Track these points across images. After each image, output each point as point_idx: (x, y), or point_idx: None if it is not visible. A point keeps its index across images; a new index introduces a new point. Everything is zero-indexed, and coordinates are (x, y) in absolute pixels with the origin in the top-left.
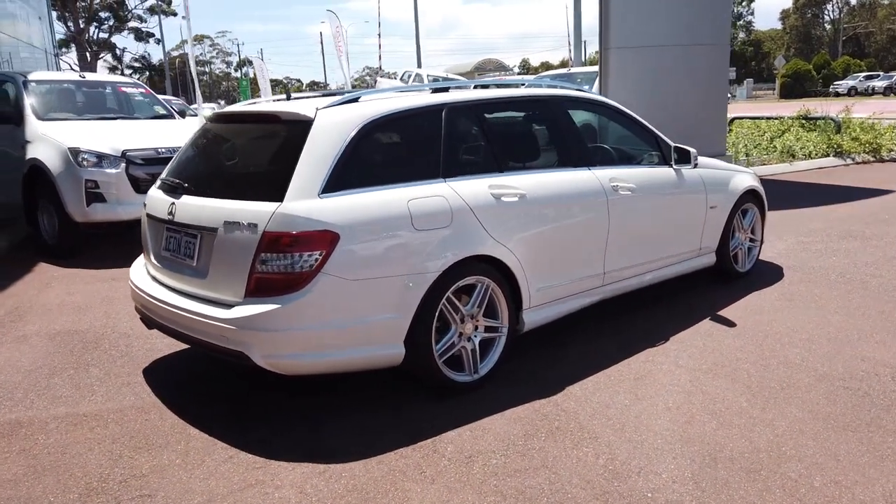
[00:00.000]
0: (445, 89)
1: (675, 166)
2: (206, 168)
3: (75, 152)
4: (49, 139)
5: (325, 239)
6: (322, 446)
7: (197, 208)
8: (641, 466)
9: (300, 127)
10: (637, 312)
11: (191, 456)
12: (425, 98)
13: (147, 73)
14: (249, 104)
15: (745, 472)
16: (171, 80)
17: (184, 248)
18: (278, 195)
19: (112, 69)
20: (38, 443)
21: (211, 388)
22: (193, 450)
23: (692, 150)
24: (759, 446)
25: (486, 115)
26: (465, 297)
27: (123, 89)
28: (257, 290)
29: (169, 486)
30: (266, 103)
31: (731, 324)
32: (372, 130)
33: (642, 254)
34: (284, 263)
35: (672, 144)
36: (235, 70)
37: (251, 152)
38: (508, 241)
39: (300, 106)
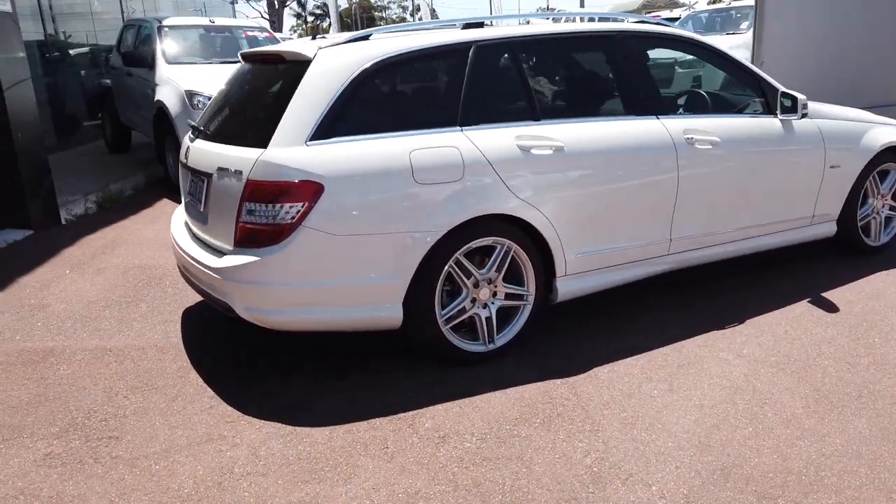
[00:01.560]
0: (479, 24)
1: (781, 116)
2: (219, 111)
3: (190, 95)
4: (171, 82)
5: (308, 190)
6: (302, 407)
7: (202, 153)
8: (632, 473)
9: (298, 68)
10: (716, 286)
11: (177, 402)
12: (451, 35)
13: (327, 19)
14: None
15: (755, 498)
16: (344, 26)
17: (196, 191)
18: (265, 141)
19: (297, 16)
20: (58, 373)
21: (237, 336)
22: (182, 396)
23: (800, 96)
24: (793, 466)
25: (525, 55)
26: (486, 259)
27: (249, 34)
28: (243, 240)
29: (139, 431)
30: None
31: (832, 309)
32: (377, 72)
33: (726, 220)
34: (267, 214)
35: (780, 89)
36: (410, 15)
37: (254, 95)
38: (538, 199)
39: (303, 45)
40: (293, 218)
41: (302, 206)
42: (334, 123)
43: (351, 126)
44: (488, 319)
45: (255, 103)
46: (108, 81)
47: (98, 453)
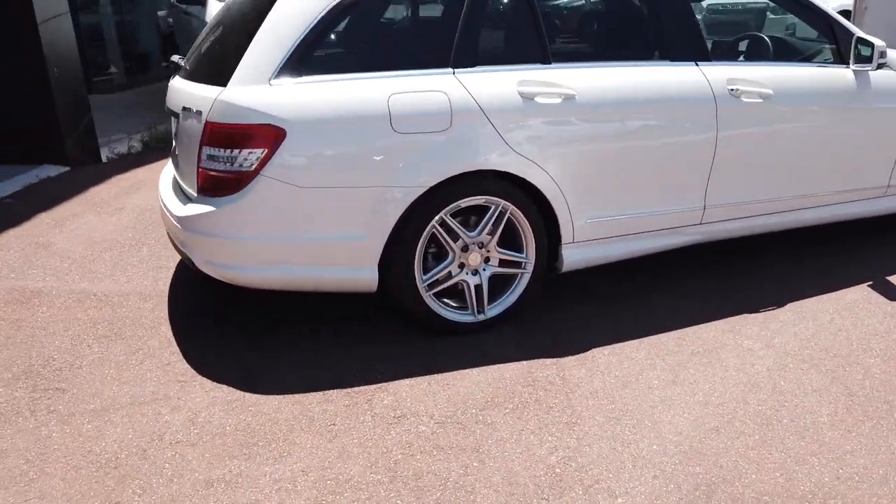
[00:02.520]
0: None
1: (854, 67)
2: (198, 48)
3: None
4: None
5: (267, 135)
6: (260, 372)
7: (175, 91)
8: (599, 479)
9: None
10: (756, 262)
11: (137, 356)
12: None
13: None
14: None
15: None
16: None
17: (173, 130)
18: (226, 79)
19: None
20: (35, 315)
21: (225, 292)
22: (145, 349)
23: (878, 42)
24: (797, 490)
25: None
26: (476, 219)
27: None
28: (204, 187)
29: (87, 384)
30: None
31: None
32: (359, 3)
33: (775, 187)
34: (226, 160)
35: (855, 34)
36: None
37: (228, 30)
38: (541, 156)
39: None
40: (252, 166)
41: (262, 153)
42: (303, 60)
43: (323, 63)
44: (478, 287)
45: (226, 39)
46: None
47: (37, 406)
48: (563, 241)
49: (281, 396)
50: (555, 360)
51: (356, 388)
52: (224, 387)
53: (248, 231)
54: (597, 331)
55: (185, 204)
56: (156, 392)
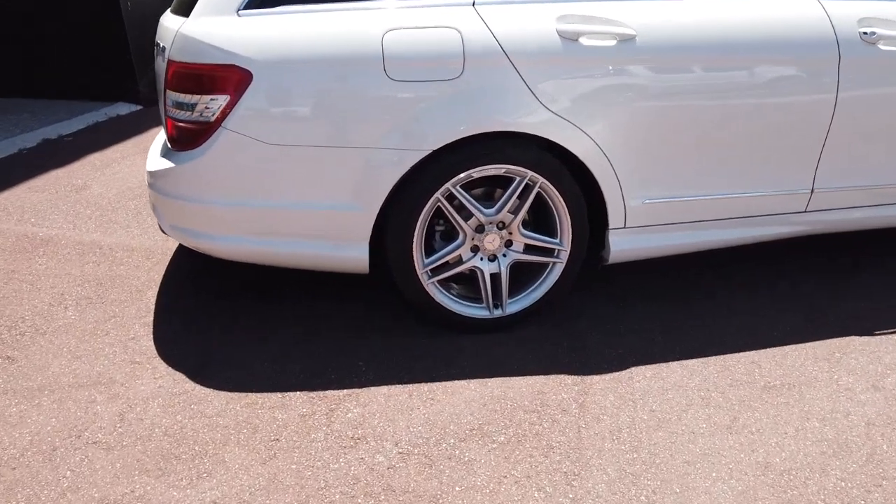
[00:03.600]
0: None
1: None
2: None
3: None
4: None
5: (230, 78)
6: (222, 360)
7: (159, 27)
8: None
9: None
10: (875, 267)
11: (105, 325)
12: None
13: None
14: None
15: None
16: None
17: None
18: (190, 8)
19: None
20: (33, 266)
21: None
22: (117, 317)
23: None
24: None
25: None
26: (499, 191)
27: None
28: (172, 139)
29: (40, 355)
30: None
31: None
32: None
33: None
34: (187, 107)
35: None
36: None
37: None
38: (584, 116)
39: None
40: (213, 116)
41: (224, 101)
42: None
43: None
44: (495, 277)
45: None
46: None
47: None
48: (611, 225)
49: (233, 395)
50: (577, 378)
51: (322, 393)
52: (177, 374)
53: (212, 194)
54: (640, 343)
55: (156, 157)
56: (102, 374)
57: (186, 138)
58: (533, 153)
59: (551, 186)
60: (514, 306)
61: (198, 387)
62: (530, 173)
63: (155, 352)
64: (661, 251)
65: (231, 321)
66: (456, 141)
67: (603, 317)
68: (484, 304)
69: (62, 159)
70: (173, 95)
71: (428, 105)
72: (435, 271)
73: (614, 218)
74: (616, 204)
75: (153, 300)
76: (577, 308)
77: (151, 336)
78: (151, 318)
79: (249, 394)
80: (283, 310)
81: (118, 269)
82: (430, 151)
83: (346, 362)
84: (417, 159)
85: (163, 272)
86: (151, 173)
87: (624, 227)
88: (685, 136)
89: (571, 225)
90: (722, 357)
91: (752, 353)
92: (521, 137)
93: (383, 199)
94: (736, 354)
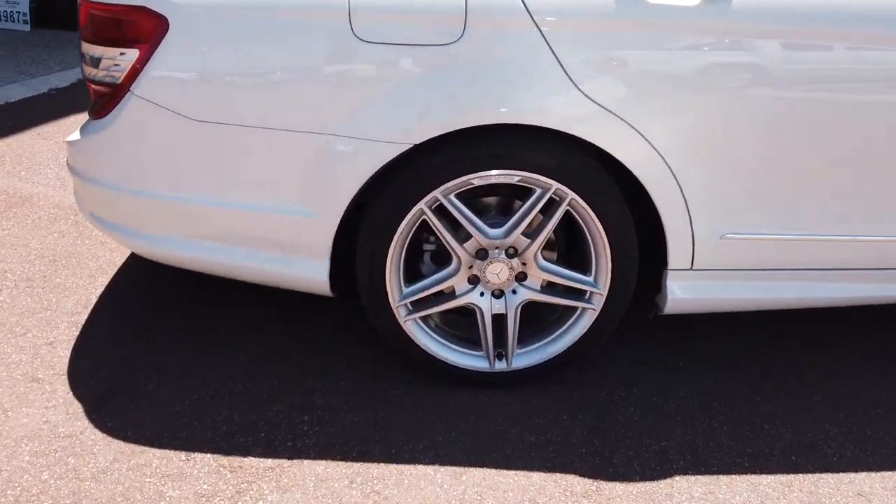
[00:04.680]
0: None
1: None
2: None
3: None
4: None
5: (141, 26)
6: (138, 391)
7: None
8: None
9: None
10: None
11: (28, 319)
12: None
13: None
14: None
15: None
16: None
17: None
18: None
19: None
20: (5, 220)
21: None
22: (47, 311)
23: None
24: None
25: None
26: (519, 203)
27: None
28: (91, 104)
29: None
30: None
31: None
32: None
33: None
34: (95, 60)
35: None
36: None
37: None
38: (641, 107)
39: None
40: (119, 76)
41: (133, 56)
42: None
43: None
44: (498, 318)
45: None
46: None
47: None
48: (672, 265)
49: (126, 448)
50: (592, 484)
51: (239, 460)
52: (74, 407)
53: (120, 177)
54: (691, 435)
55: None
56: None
57: (97, 105)
58: (560, 157)
59: (585, 206)
60: (523, 359)
61: (89, 429)
62: (555, 185)
63: (65, 367)
64: (740, 305)
65: (171, 334)
66: (449, 133)
67: (642, 383)
68: (483, 353)
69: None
70: (84, 46)
71: (411, 79)
72: (417, 305)
73: (677, 255)
74: (680, 236)
75: (100, 290)
76: (607, 366)
77: (72, 343)
78: (85, 317)
79: (147, 450)
80: (238, 322)
81: (81, 245)
82: (412, 146)
83: (287, 415)
84: (394, 155)
85: (127, 254)
86: (67, 145)
87: (690, 269)
88: (804, 146)
89: (612, 260)
90: (814, 478)
91: (863, 475)
92: (545, 134)
93: (346, 204)
94: (837, 476)
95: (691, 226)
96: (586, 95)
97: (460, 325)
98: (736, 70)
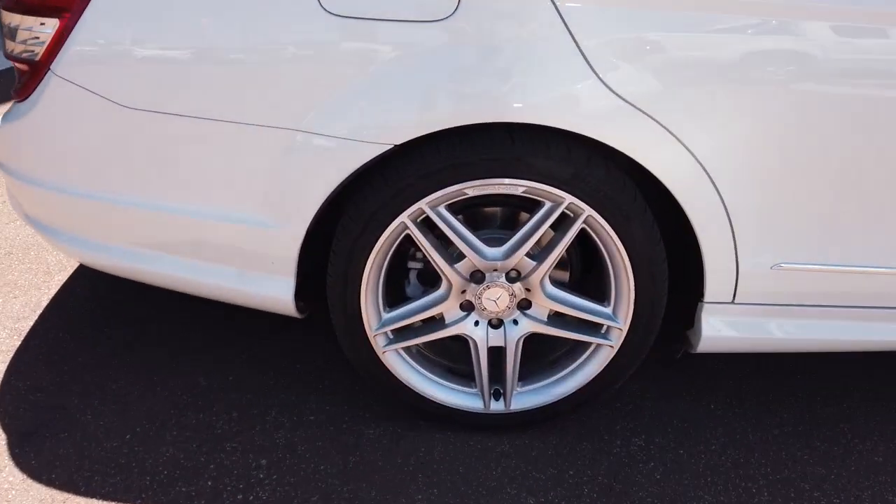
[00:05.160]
0: None
1: None
2: None
3: None
4: None
5: None
6: (72, 430)
7: None
8: None
9: None
10: None
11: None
12: None
13: None
14: None
15: None
16: None
17: None
18: None
19: None
20: None
21: None
22: (4, 318)
23: None
24: None
25: None
26: (526, 216)
27: None
28: (16, 85)
29: None
30: None
31: None
32: None
33: None
34: (11, 32)
35: None
36: None
37: None
38: (679, 107)
39: None
40: (37, 52)
41: (54, 27)
42: None
43: None
44: (495, 352)
45: None
46: None
47: None
48: (709, 297)
49: (47, 493)
50: None
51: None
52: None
53: (45, 172)
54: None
55: None
56: None
57: (19, 85)
58: (577, 165)
59: (606, 225)
60: (523, 400)
61: (9, 468)
62: (569, 198)
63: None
64: (789, 345)
65: (122, 349)
66: (438, 132)
67: (666, 430)
68: (476, 390)
69: None
70: (3, 15)
71: (391, 63)
72: (400, 334)
73: (717, 286)
74: (722, 264)
75: (53, 290)
76: (623, 406)
77: (9, 356)
78: (31, 324)
79: (70, 498)
80: (201, 339)
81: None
82: (392, 146)
83: (242, 456)
84: (370, 157)
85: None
86: None
87: (731, 303)
88: (890, 158)
89: (635, 289)
90: None
91: None
92: (559, 136)
93: (311, 214)
94: None
95: (736, 252)
96: (611, 89)
97: (452, 351)
98: (807, 60)
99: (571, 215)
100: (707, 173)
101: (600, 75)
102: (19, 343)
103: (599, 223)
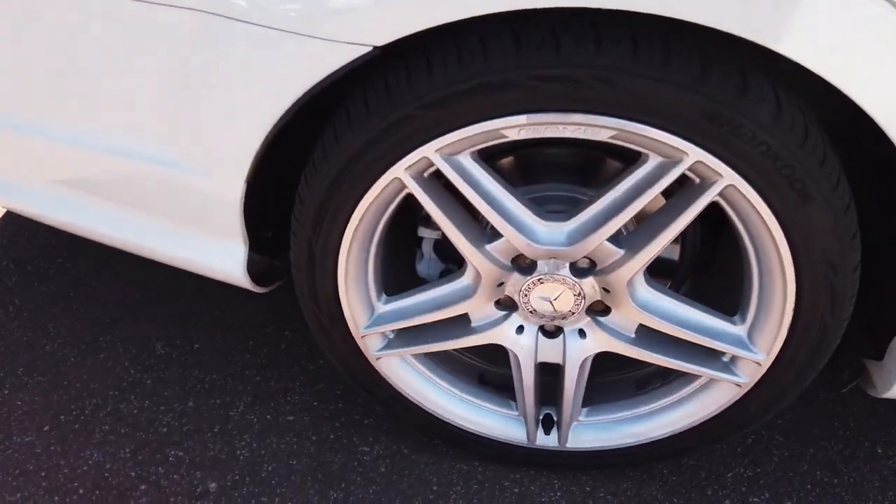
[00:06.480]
0: None
1: None
2: None
3: None
4: None
5: None
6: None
7: None
8: None
9: None
10: None
11: None
12: None
13: None
14: None
15: None
16: None
17: None
18: None
19: None
20: None
21: None
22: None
23: None
24: None
25: None
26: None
27: None
28: None
29: None
30: None
31: None
32: None
33: None
34: None
35: None
36: None
37: None
38: None
39: None
40: None
41: None
42: None
43: None
44: (553, 371)
45: None
46: None
47: None
48: None
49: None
50: None
51: None
52: None
53: None
54: None
55: None
56: None
57: None
58: (714, 95)
59: (758, 203)
60: (586, 434)
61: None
62: (694, 153)
63: None
64: None
65: (54, 331)
66: (452, 24)
67: (806, 489)
68: (518, 413)
69: None
70: None
71: None
72: (404, 336)
73: None
74: None
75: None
76: (744, 442)
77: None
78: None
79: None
80: (155, 322)
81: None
82: (372, 48)
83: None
84: (338, 66)
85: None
86: None
87: None
88: None
89: (795, 306)
90: None
91: None
92: (682, 39)
93: (252, 154)
94: None
95: None
96: None
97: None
98: None
99: (696, 180)
100: None
101: None
102: None
103: (747, 198)
